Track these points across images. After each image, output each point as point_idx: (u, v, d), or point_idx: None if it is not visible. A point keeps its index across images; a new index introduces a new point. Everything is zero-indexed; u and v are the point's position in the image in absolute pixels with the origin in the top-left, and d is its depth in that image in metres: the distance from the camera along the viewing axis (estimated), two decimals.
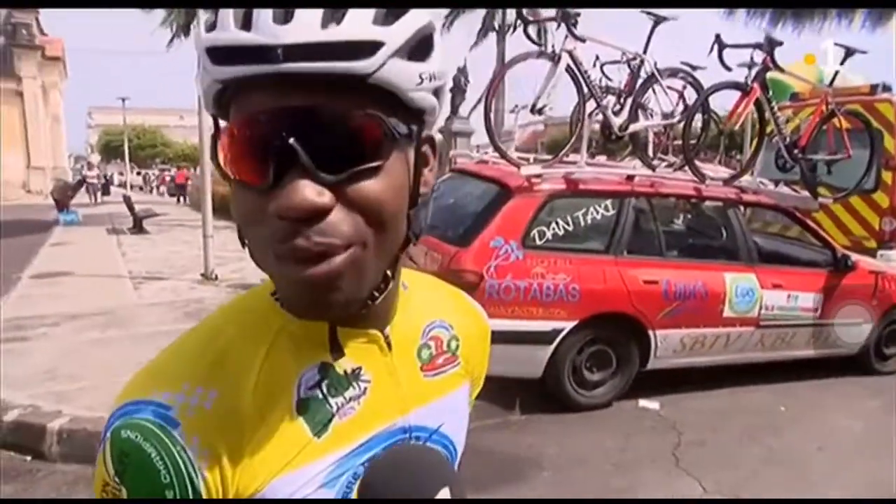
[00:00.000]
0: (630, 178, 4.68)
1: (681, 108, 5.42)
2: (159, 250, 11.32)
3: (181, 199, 26.97)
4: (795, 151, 5.44)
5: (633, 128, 5.00)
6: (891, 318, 5.36)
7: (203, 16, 9.71)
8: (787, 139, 5.48)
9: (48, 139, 33.24)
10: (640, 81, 5.06)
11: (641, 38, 5.11)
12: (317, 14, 0.51)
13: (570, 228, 4.43)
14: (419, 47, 0.56)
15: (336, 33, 0.51)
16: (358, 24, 0.52)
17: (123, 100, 32.55)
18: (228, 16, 0.53)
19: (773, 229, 6.71)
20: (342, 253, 0.54)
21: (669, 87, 5.22)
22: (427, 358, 0.74)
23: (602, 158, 5.86)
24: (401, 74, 0.55)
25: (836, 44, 5.48)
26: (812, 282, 5.03)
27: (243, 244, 0.60)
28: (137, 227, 14.10)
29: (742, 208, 5.13)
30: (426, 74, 0.57)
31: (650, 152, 5.71)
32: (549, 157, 4.97)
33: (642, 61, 5.03)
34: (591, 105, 4.81)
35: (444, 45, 0.61)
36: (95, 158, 54.49)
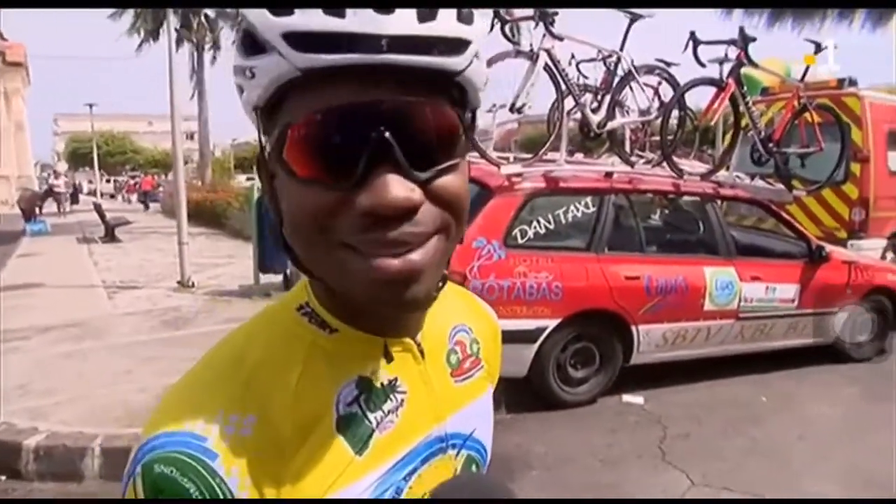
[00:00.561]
0: (609, 175, 4.71)
1: (657, 104, 5.47)
2: (132, 259, 11.14)
3: (148, 206, 26.65)
4: (770, 145, 5.53)
5: (611, 125, 5.03)
6: (863, 306, 5.46)
7: (172, 20, 9.49)
8: (762, 133, 5.57)
9: (12, 147, 32.41)
10: (616, 79, 5.10)
11: (617, 36, 5.16)
12: (412, 8, 0.50)
13: (552, 227, 4.44)
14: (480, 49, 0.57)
15: (433, 28, 0.51)
16: (449, 20, 0.52)
17: (91, 106, 32.00)
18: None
19: (748, 222, 6.81)
20: (428, 244, 0.53)
21: (646, 84, 5.26)
22: (455, 363, 0.73)
23: (580, 156, 5.90)
24: (478, 74, 0.56)
25: (805, 39, 5.59)
26: (789, 273, 5.11)
27: (282, 247, 0.59)
28: (109, 236, 13.86)
29: (719, 202, 5.19)
30: (488, 77, 0.59)
31: (627, 149, 5.75)
32: (528, 155, 4.98)
33: (619, 59, 5.07)
34: (569, 103, 4.82)
35: None
36: (63, 166, 53.36)
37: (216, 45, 23.62)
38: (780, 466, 3.67)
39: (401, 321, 0.63)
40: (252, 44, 0.53)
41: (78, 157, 52.75)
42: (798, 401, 4.69)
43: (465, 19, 0.53)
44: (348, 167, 0.51)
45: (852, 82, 7.44)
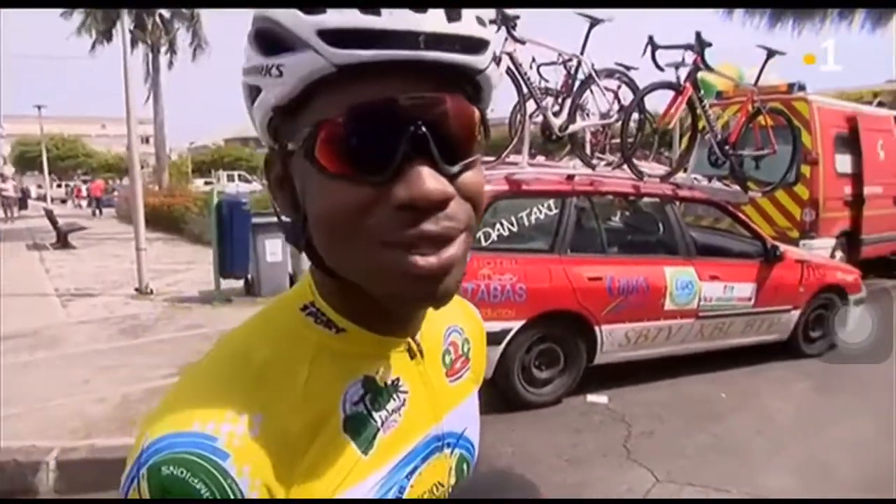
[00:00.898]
0: (571, 177, 4.76)
1: (616, 107, 5.56)
2: (87, 265, 10.83)
3: (98, 212, 25.74)
4: (726, 147, 5.68)
5: (572, 128, 5.09)
6: (816, 303, 5.65)
7: (126, 20, 9.24)
8: (719, 136, 5.71)
9: None
10: (577, 82, 5.16)
11: (577, 40, 5.22)
12: (440, 8, 0.52)
13: (515, 229, 4.47)
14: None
15: (461, 28, 0.53)
16: (472, 21, 0.54)
17: (39, 108, 31.02)
18: None
19: (705, 222, 6.97)
20: (459, 238, 0.55)
21: (606, 88, 5.35)
22: (449, 363, 0.75)
23: (541, 158, 5.96)
24: (495, 74, 0.58)
25: (758, 45, 5.75)
26: (745, 272, 5.25)
27: (300, 247, 0.59)
28: (62, 242, 13.45)
29: (678, 203, 5.30)
30: (500, 77, 0.60)
31: (588, 151, 5.83)
32: (491, 158, 5.01)
33: (579, 62, 5.13)
34: (530, 106, 4.87)
35: None
36: (9, 170, 51.46)
37: (172, 49, 23.14)
38: (741, 461, 3.76)
39: (407, 321, 0.64)
40: (275, 42, 0.53)
41: (26, 161, 50.89)
42: (756, 397, 4.82)
43: (482, 22, 0.56)
44: (383, 162, 0.51)
45: (801, 87, 7.69)
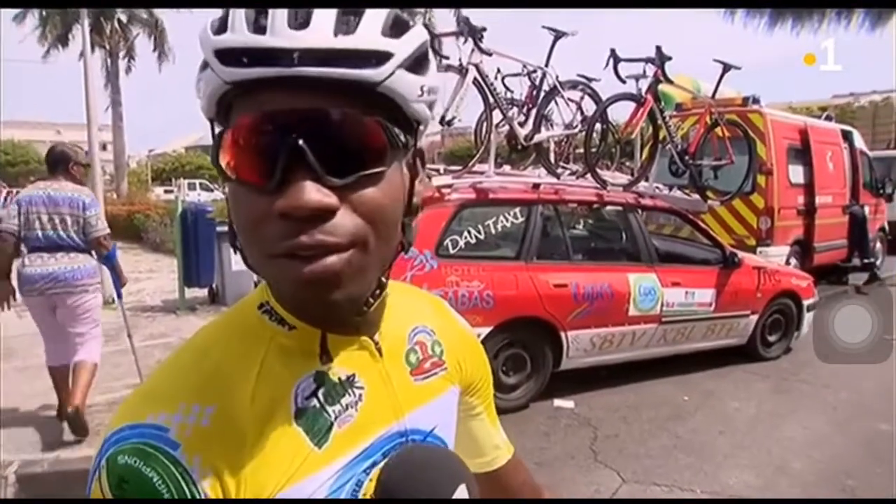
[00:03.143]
0: (536, 186, 4.85)
1: (579, 118, 5.69)
2: None
3: None
4: (686, 158, 5.85)
5: (537, 138, 5.19)
6: (772, 308, 5.85)
7: (86, 21, 9.09)
8: (679, 146, 5.88)
9: None
10: (543, 93, 5.27)
11: (540, 52, 5.34)
12: (330, 21, 0.53)
13: (482, 237, 4.53)
14: (419, 61, 0.59)
15: (349, 41, 0.54)
16: (369, 34, 0.55)
17: None
18: (239, 19, 0.54)
19: (665, 231, 7.15)
20: (344, 252, 0.55)
21: (569, 99, 5.47)
22: (415, 362, 0.75)
23: (507, 168, 6.05)
24: (405, 85, 0.57)
25: (714, 59, 5.96)
26: (706, 279, 5.40)
27: (235, 249, 0.61)
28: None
29: (640, 212, 5.43)
30: (425, 87, 0.59)
31: (551, 161, 5.94)
32: (458, 167, 5.07)
33: (545, 74, 5.24)
34: (496, 116, 4.95)
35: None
36: None
37: (131, 55, 22.72)
38: (703, 460, 3.87)
39: (348, 321, 0.64)
40: (202, 61, 0.57)
41: None
42: (717, 398, 4.97)
43: (391, 32, 0.56)
44: (270, 172, 0.54)
45: (756, 100, 7.95)
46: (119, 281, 4.44)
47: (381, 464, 0.65)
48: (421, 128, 0.63)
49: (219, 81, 0.55)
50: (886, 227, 10.93)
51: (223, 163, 0.56)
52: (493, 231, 4.59)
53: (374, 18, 0.56)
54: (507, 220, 4.66)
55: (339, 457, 0.63)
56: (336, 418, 0.64)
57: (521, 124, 5.13)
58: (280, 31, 0.52)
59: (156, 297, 8.09)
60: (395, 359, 0.72)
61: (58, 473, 3.45)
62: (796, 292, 6.01)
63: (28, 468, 3.48)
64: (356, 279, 0.57)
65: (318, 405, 0.63)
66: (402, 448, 0.67)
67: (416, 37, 0.58)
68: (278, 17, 0.53)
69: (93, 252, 3.96)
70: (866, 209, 9.49)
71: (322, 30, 0.53)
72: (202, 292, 7.69)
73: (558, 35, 5.13)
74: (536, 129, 5.18)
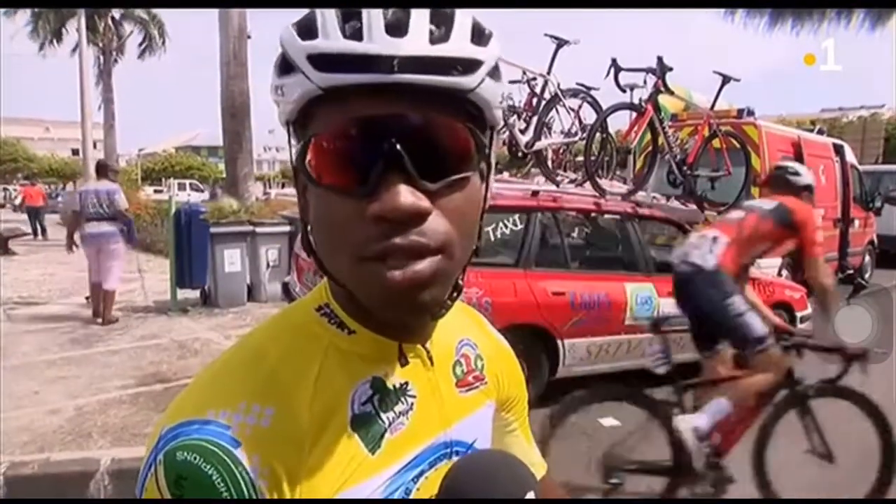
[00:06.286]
0: (536, 193, 4.85)
1: (578, 126, 5.70)
2: (32, 273, 10.42)
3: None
4: (684, 168, 5.87)
5: (538, 145, 5.21)
6: None
7: (78, 19, 9.07)
8: (678, 157, 5.90)
9: None
10: (544, 101, 5.28)
11: (539, 59, 5.36)
12: (425, 30, 0.55)
13: (481, 243, 4.51)
14: (497, 69, 0.60)
15: (444, 49, 0.55)
16: (461, 41, 0.56)
17: None
18: (331, 22, 0.54)
19: (661, 240, 7.16)
20: (434, 255, 0.56)
21: (569, 107, 5.48)
22: (461, 374, 0.76)
23: (505, 174, 6.05)
24: (490, 93, 0.59)
25: (714, 71, 5.99)
26: None
27: (310, 253, 0.61)
28: (2, 248, 12.90)
29: (638, 221, 5.44)
30: (504, 94, 0.62)
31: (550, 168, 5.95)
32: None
33: (546, 82, 5.25)
34: None
35: None
36: None
37: (121, 52, 22.60)
38: None
39: (413, 327, 0.66)
40: (283, 64, 0.58)
41: None
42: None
43: (479, 41, 0.57)
44: (363, 176, 0.54)
45: (751, 112, 8.02)
46: (132, 234, 7.07)
47: (430, 472, 0.66)
48: (495, 134, 0.64)
49: (311, 86, 0.55)
50: (875, 241, 11.04)
51: (310, 166, 0.57)
52: (492, 238, 4.59)
53: (462, 25, 0.57)
54: (506, 226, 4.66)
55: (391, 464, 0.64)
56: (389, 425, 0.64)
57: (522, 131, 5.14)
58: (378, 38, 0.53)
59: (146, 297, 8.02)
60: (444, 369, 0.73)
61: (49, 475, 3.39)
62: (790, 304, 6.04)
63: (17, 470, 3.41)
64: (443, 282, 0.58)
65: (373, 411, 0.64)
66: (470, 454, 0.68)
67: (497, 45, 0.60)
68: (374, 23, 0.53)
69: (118, 219, 6.63)
70: (856, 223, 9.59)
71: (419, 37, 0.54)
72: (194, 294, 7.63)
73: (561, 43, 5.15)
74: (537, 137, 5.19)
